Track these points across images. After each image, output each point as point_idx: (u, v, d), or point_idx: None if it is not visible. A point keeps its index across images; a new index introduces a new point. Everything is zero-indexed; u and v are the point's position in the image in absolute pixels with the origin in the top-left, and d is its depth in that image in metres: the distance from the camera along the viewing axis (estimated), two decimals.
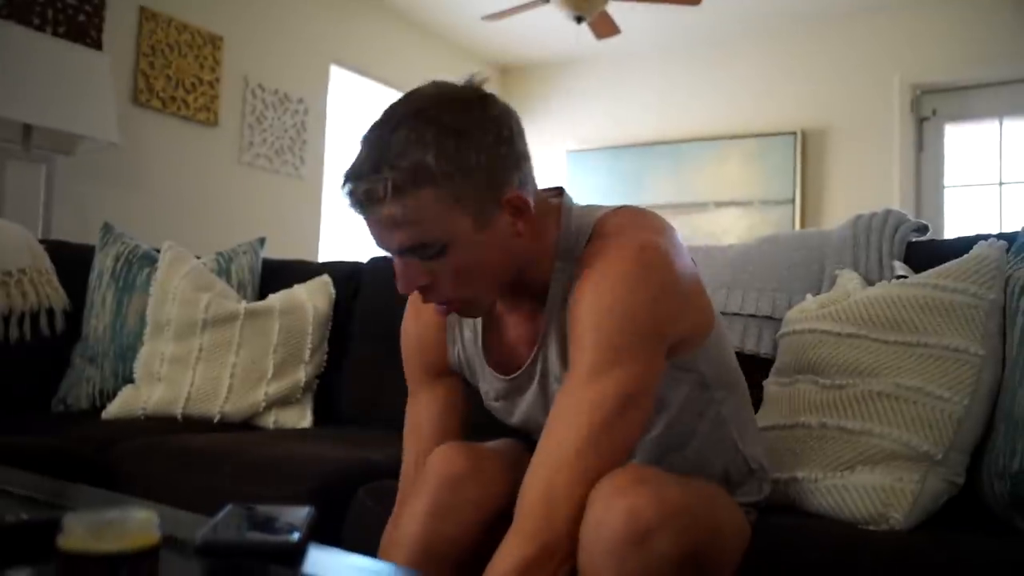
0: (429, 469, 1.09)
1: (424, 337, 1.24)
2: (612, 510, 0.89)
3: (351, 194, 0.98)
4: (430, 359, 1.24)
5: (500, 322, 1.18)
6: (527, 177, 1.05)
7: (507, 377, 1.16)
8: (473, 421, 1.28)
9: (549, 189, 1.15)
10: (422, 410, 1.25)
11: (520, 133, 1.04)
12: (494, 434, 1.30)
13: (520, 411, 1.19)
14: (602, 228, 1.07)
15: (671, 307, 1.03)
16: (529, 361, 1.13)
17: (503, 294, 1.13)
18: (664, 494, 0.91)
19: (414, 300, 1.26)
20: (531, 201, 1.03)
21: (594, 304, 0.99)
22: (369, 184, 0.95)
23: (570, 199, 1.14)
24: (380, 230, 0.99)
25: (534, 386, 1.14)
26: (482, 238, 1.00)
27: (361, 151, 0.99)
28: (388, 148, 0.96)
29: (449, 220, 0.97)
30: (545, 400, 1.14)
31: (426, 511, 1.05)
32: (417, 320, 1.26)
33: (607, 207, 1.12)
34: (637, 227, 1.06)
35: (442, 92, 1.01)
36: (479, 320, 1.18)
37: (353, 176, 0.97)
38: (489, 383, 1.20)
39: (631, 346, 0.98)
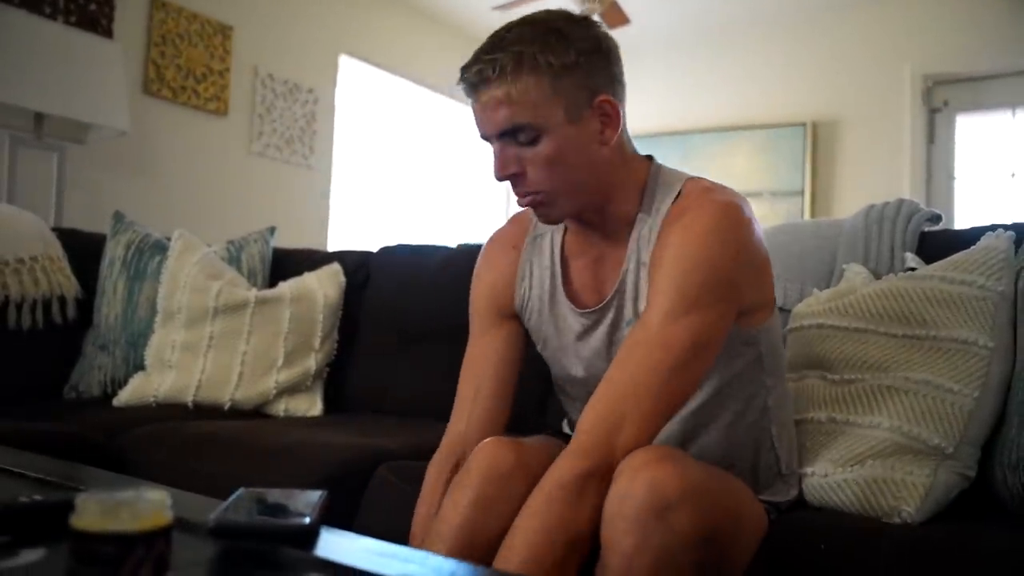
0: (473, 463, 1.09)
1: (497, 279, 1.30)
2: (636, 482, 0.92)
3: (464, 78, 1.09)
4: (500, 301, 1.29)
5: (569, 265, 1.24)
6: (619, 96, 1.13)
7: (583, 310, 1.20)
8: (511, 421, 1.28)
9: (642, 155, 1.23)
10: (486, 349, 1.29)
11: (618, 58, 1.14)
12: (529, 431, 1.30)
13: (583, 352, 1.21)
14: (690, 187, 1.15)
15: (749, 269, 1.11)
16: (608, 299, 1.17)
17: (581, 226, 1.20)
18: (687, 472, 0.94)
19: (491, 246, 1.34)
20: (622, 115, 1.12)
21: (679, 252, 1.07)
22: (481, 65, 1.06)
23: (658, 161, 1.22)
24: (485, 112, 1.08)
25: (604, 327, 1.18)
26: (571, 132, 1.08)
27: (480, 46, 1.09)
28: (502, 40, 1.07)
29: (545, 107, 1.06)
30: (610, 346, 1.18)
31: (470, 503, 1.05)
32: (491, 260, 1.32)
33: (692, 175, 1.20)
34: (724, 191, 1.14)
35: (555, 9, 1.14)
36: (556, 256, 1.24)
37: (470, 62, 1.08)
38: (561, 318, 1.23)
39: (708, 297, 1.04)
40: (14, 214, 2.26)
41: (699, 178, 1.19)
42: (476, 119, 1.11)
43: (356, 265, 2.33)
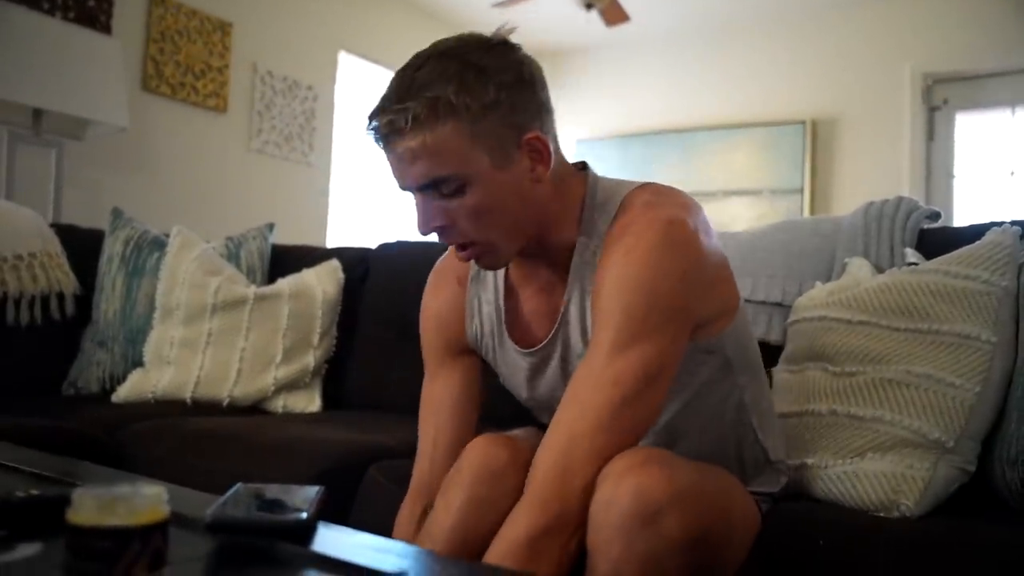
0: (464, 462, 1.07)
1: (443, 313, 1.24)
2: (621, 488, 0.89)
3: (375, 128, 0.99)
4: (449, 336, 1.24)
5: (517, 295, 1.17)
6: (548, 127, 1.05)
7: (528, 351, 1.15)
8: (494, 409, 1.27)
9: (574, 163, 1.15)
10: (440, 389, 1.24)
11: (542, 83, 1.05)
12: (516, 422, 1.29)
13: (539, 388, 1.18)
14: (630, 202, 1.07)
15: (697, 285, 1.03)
16: (551, 336, 1.12)
17: (523, 258, 1.13)
18: (674, 475, 0.91)
19: (434, 278, 1.28)
20: (552, 149, 1.04)
21: (620, 278, 0.99)
22: (391, 116, 0.96)
23: (594, 172, 1.14)
24: (400, 165, 1.00)
25: (555, 361, 1.13)
26: (500, 178, 1.00)
27: (387, 89, 1.00)
28: (412, 83, 0.97)
29: (468, 155, 0.98)
30: (566, 376, 1.12)
31: (461, 505, 1.03)
32: (436, 296, 1.26)
33: (633, 182, 1.12)
34: (666, 204, 1.05)
35: (467, 36, 1.03)
36: (500, 292, 1.18)
37: (377, 110, 0.99)
38: (509, 357, 1.19)
39: (655, 323, 0.97)
40: (12, 210, 2.25)
41: (641, 187, 1.10)
42: (392, 170, 1.02)
43: (355, 262, 2.32)
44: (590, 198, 1.10)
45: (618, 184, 1.12)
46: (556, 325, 1.11)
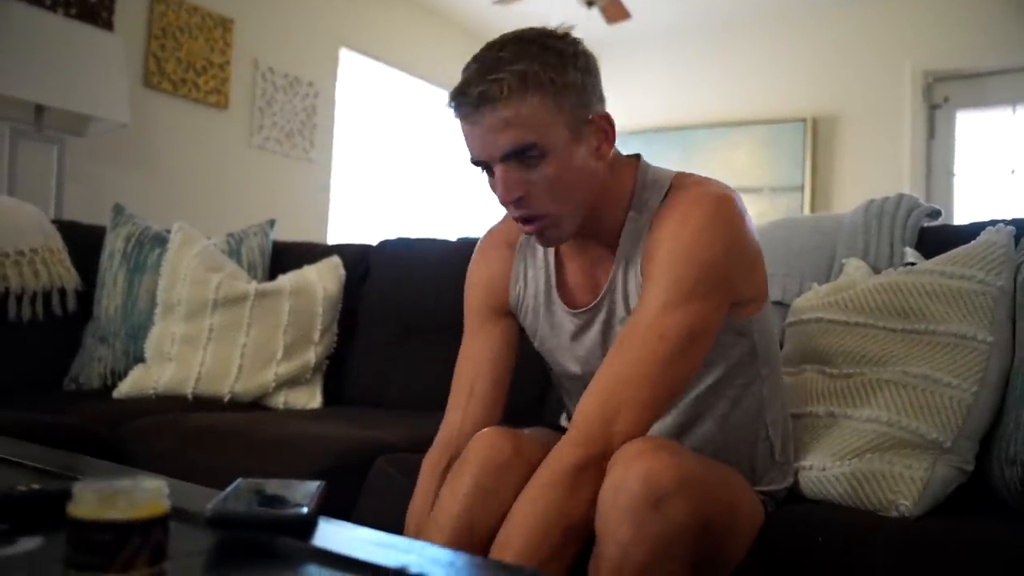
0: (471, 452, 1.10)
1: (492, 274, 1.30)
2: (631, 473, 0.92)
3: (464, 97, 1.05)
4: (494, 298, 1.30)
5: (564, 267, 1.24)
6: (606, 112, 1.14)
7: (576, 311, 1.20)
8: (508, 414, 1.29)
9: (627, 155, 1.23)
10: (480, 344, 1.29)
11: (599, 75, 1.14)
12: (527, 410, 1.30)
13: (578, 350, 1.22)
14: (680, 182, 1.16)
15: (740, 261, 1.11)
16: (599, 299, 1.18)
17: (574, 236, 1.18)
18: (682, 463, 0.94)
19: (487, 240, 1.35)
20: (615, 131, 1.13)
21: (672, 245, 1.07)
22: (485, 86, 1.03)
23: (645, 160, 1.22)
24: (488, 135, 1.06)
25: (598, 325, 1.19)
26: (574, 151, 1.08)
27: (471, 68, 1.07)
28: (498, 60, 1.05)
29: (550, 127, 1.06)
30: (605, 344, 1.18)
31: (468, 492, 1.05)
32: (487, 258, 1.32)
33: (678, 171, 1.20)
34: (717, 183, 1.15)
35: (536, 27, 1.12)
36: (550, 256, 1.24)
37: (466, 83, 1.05)
38: (557, 318, 1.24)
39: (703, 288, 1.06)
40: (14, 206, 2.26)
41: (687, 173, 1.19)
42: (473, 143, 1.09)
43: (356, 258, 2.33)
44: (641, 179, 1.18)
45: (667, 170, 1.21)
46: (604, 290, 1.17)
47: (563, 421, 1.39)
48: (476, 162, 1.11)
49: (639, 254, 1.14)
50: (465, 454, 1.10)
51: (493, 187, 1.11)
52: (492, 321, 1.29)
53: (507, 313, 1.30)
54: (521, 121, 1.04)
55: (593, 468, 0.98)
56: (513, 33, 1.09)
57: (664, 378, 1.04)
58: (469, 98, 1.05)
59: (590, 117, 1.10)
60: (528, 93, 1.04)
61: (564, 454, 1.00)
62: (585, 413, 1.04)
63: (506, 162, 1.07)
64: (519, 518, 0.97)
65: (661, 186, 1.16)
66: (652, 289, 1.07)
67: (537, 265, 1.26)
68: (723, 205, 1.09)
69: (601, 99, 1.13)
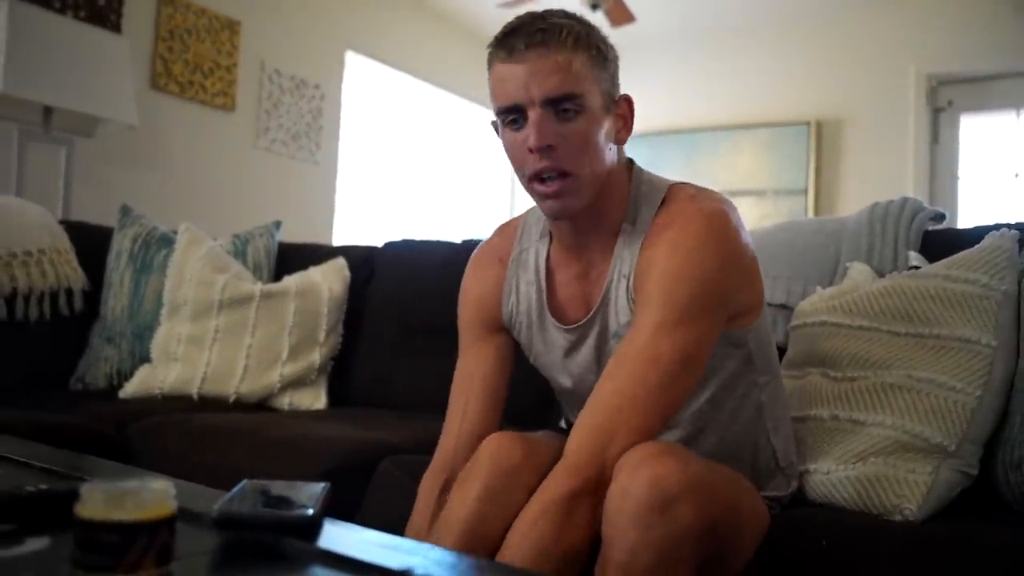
0: (481, 456, 1.09)
1: (484, 290, 1.29)
2: (637, 478, 0.92)
3: (518, 34, 1.06)
4: (487, 313, 1.29)
5: (555, 279, 1.23)
6: None
7: (568, 327, 1.19)
8: (512, 402, 1.29)
9: None
10: (472, 362, 1.28)
11: None
12: (532, 414, 1.30)
13: (572, 367, 1.21)
14: (674, 195, 1.15)
15: (736, 276, 1.10)
16: (591, 315, 1.17)
17: (567, 239, 1.19)
18: (688, 467, 0.94)
19: (478, 256, 1.34)
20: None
21: (666, 266, 1.07)
22: (545, 25, 1.05)
23: (638, 165, 1.21)
24: (536, 76, 1.05)
25: (591, 340, 1.18)
26: (604, 120, 1.10)
27: (520, 19, 1.08)
28: (551, 14, 1.08)
29: (592, 87, 1.07)
30: (599, 359, 1.17)
31: (477, 496, 1.05)
32: (479, 274, 1.31)
33: (671, 179, 1.19)
34: (709, 198, 1.13)
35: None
36: (541, 272, 1.23)
37: (519, 24, 1.07)
38: (549, 334, 1.22)
39: (697, 310, 1.05)
40: (22, 207, 2.27)
41: (682, 184, 1.18)
42: (512, 84, 1.07)
43: (361, 260, 2.33)
44: (635, 187, 1.17)
45: (659, 178, 1.19)
46: (597, 305, 1.16)
47: (563, 424, 1.39)
48: (506, 109, 1.08)
49: (632, 269, 1.12)
50: (475, 457, 1.10)
51: (513, 142, 1.10)
52: (485, 338, 1.28)
53: (501, 329, 1.29)
54: (571, 69, 1.05)
55: (587, 496, 0.98)
56: (558, 10, 1.11)
57: (657, 403, 1.03)
58: (523, 35, 1.05)
59: (618, 97, 1.13)
60: (579, 48, 1.06)
61: (557, 483, 0.99)
62: (578, 440, 1.02)
63: (543, 107, 1.05)
64: (514, 548, 0.97)
65: (655, 198, 1.15)
66: (645, 312, 1.06)
67: (528, 279, 1.25)
68: (716, 220, 1.08)
69: (619, 89, 1.15)
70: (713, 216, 1.09)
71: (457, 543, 1.02)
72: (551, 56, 1.04)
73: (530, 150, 1.07)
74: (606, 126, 1.10)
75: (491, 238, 1.34)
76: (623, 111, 1.14)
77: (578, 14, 1.12)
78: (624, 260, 1.14)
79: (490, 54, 1.10)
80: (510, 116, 1.09)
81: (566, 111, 1.06)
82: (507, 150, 1.13)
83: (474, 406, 1.24)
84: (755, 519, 1.08)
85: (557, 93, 1.05)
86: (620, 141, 1.14)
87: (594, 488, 0.98)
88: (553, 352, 1.23)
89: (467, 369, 1.28)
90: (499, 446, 1.09)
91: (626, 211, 1.15)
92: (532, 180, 1.10)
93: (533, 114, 1.06)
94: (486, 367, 1.27)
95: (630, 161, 1.21)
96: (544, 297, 1.22)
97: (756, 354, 1.18)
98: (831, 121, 5.22)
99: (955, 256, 1.35)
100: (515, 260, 1.27)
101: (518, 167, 1.12)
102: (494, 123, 1.14)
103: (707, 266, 1.05)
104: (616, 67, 1.13)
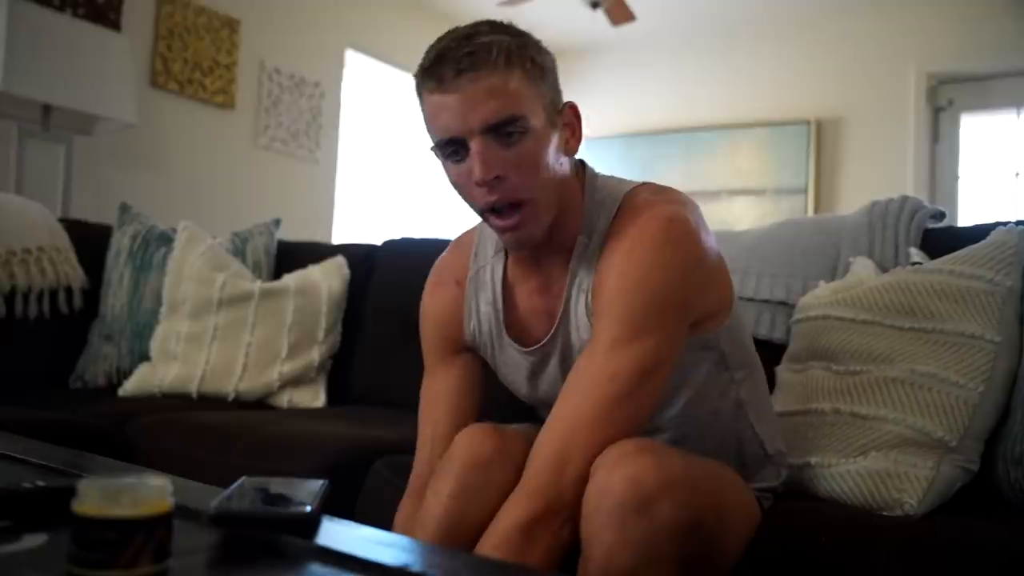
0: (454, 451, 1.08)
1: (442, 313, 1.25)
2: (614, 477, 0.90)
3: (444, 64, 0.99)
4: (448, 335, 1.24)
5: (515, 295, 1.18)
6: None
7: (528, 349, 1.16)
8: (495, 404, 1.27)
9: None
10: (439, 387, 1.24)
11: None
12: (514, 418, 1.29)
13: (540, 387, 1.19)
14: (630, 201, 1.09)
15: (696, 282, 1.06)
16: (551, 335, 1.13)
17: (525, 253, 1.14)
18: (666, 464, 0.93)
19: (433, 278, 1.29)
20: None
21: (622, 276, 1.03)
22: (471, 48, 0.98)
23: (592, 168, 1.16)
24: (467, 104, 0.99)
25: (555, 359, 1.15)
26: (549, 135, 1.04)
27: (444, 41, 1.02)
28: (477, 32, 1.01)
29: (532, 104, 1.01)
30: (566, 374, 1.12)
31: (451, 493, 1.04)
32: (435, 297, 1.26)
33: (631, 181, 1.14)
34: (665, 201, 1.08)
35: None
36: (498, 292, 1.19)
37: (445, 51, 1.00)
38: (510, 356, 1.19)
39: (655, 320, 1.01)
40: (22, 205, 2.27)
41: (640, 187, 1.12)
42: (447, 116, 1.00)
43: (360, 258, 2.33)
44: (588, 196, 1.12)
45: (617, 183, 1.14)
46: (556, 324, 1.12)
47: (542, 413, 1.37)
48: (444, 143, 1.03)
49: (589, 283, 1.08)
50: (449, 453, 1.09)
51: (457, 176, 1.04)
52: (449, 360, 1.24)
53: (464, 349, 1.24)
54: (508, 90, 0.98)
55: (547, 521, 0.95)
56: (491, 21, 1.05)
57: (617, 419, 0.99)
58: (451, 62, 0.98)
59: (562, 107, 1.07)
60: (512, 66, 0.99)
61: (516, 508, 0.97)
62: (536, 465, 0.99)
63: (485, 136, 0.99)
64: None
65: (610, 206, 1.10)
66: (601, 326, 1.02)
67: (487, 300, 1.20)
68: (673, 226, 1.03)
69: (562, 96, 1.09)
70: (670, 222, 1.04)
71: (433, 541, 1.02)
72: (484, 80, 0.98)
73: (477, 183, 1.01)
74: (554, 141, 1.05)
75: (446, 255, 1.29)
76: (569, 119, 1.08)
77: (505, 21, 1.05)
78: (581, 275, 1.10)
79: (418, 84, 1.04)
80: (449, 148, 1.03)
81: (509, 135, 0.99)
82: (452, 184, 1.07)
83: (442, 430, 1.20)
84: (743, 514, 1.07)
85: (496, 119, 0.99)
86: (571, 152, 1.09)
87: (556, 511, 0.95)
88: (518, 373, 1.20)
89: (432, 393, 1.24)
90: (472, 440, 1.08)
91: (581, 224, 1.10)
92: (485, 212, 1.06)
93: (474, 144, 1.00)
94: (453, 390, 1.23)
95: (581, 164, 1.16)
96: (502, 320, 1.18)
97: (730, 354, 1.15)
98: (831, 120, 5.22)
99: (960, 251, 1.35)
100: (472, 280, 1.22)
101: (467, 201, 1.07)
102: (433, 150, 1.07)
103: (663, 274, 1.01)
104: (555, 75, 1.07)
